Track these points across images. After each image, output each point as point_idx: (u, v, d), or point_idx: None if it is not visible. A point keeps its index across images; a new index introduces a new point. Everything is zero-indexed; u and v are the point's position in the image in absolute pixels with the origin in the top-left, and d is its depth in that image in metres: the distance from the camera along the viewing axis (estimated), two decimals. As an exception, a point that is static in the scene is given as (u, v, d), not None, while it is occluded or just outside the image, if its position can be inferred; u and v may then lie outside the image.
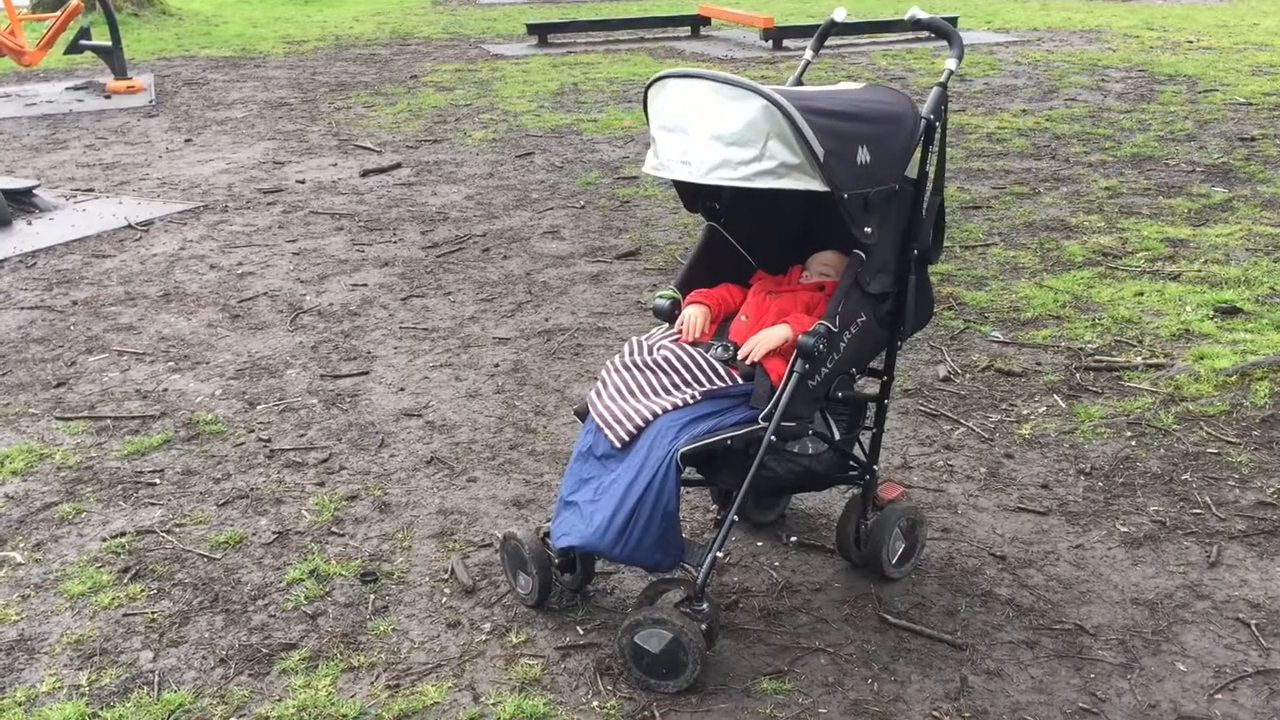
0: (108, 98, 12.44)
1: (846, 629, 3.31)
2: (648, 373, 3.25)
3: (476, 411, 4.81)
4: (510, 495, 4.12)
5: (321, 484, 4.23)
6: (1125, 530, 3.78)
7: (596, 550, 3.09)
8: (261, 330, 5.78)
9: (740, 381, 3.20)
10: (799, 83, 3.68)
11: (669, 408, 3.13)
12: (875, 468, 3.52)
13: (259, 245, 7.14)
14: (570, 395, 4.94)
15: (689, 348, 3.27)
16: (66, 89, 13.00)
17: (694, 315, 3.40)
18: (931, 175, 3.37)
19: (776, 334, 3.25)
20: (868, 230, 3.16)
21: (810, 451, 3.31)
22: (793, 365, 3.15)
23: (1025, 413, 4.64)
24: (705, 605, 3.06)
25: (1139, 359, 5.09)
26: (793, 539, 3.78)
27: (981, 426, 4.53)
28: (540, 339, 5.59)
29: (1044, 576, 3.54)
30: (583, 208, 7.77)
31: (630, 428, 3.13)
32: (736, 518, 3.12)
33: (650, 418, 3.12)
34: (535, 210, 7.75)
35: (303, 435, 4.63)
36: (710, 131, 2.99)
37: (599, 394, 3.27)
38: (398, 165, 9.00)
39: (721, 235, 3.61)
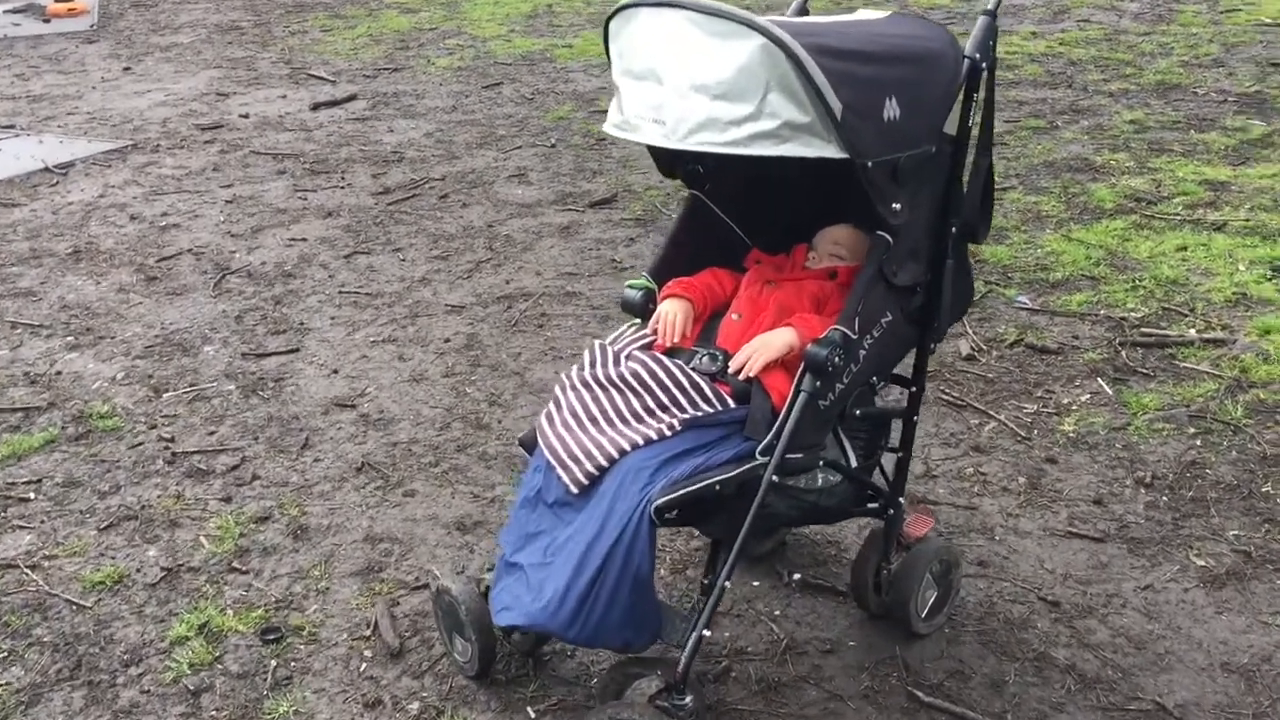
0: (46, 21, 11.49)
1: (867, 709, 2.63)
2: (613, 393, 2.52)
3: (420, 401, 4.09)
4: (454, 515, 3.41)
5: (228, 499, 3.52)
6: (1202, 564, 3.10)
7: (547, 630, 2.40)
8: (180, 296, 5.02)
9: (732, 405, 2.48)
10: (803, 11, 2.91)
11: (640, 442, 2.41)
12: (901, 500, 2.81)
13: (189, 192, 6.35)
14: (531, 380, 4.22)
15: (665, 359, 2.54)
16: (3, 12, 12.04)
17: (672, 313, 2.67)
18: (976, 131, 2.62)
19: (778, 341, 2.52)
20: (896, 207, 2.43)
21: (819, 485, 2.61)
22: (800, 382, 2.43)
23: (1066, 401, 3.94)
24: (688, 699, 2.37)
25: (1193, 331, 4.37)
26: (795, 576, 3.09)
27: (1016, 420, 3.82)
28: (499, 306, 4.85)
29: (1109, 630, 2.86)
30: (553, 146, 6.98)
31: (591, 468, 2.41)
32: (729, 583, 2.41)
33: (616, 455, 2.41)
34: (501, 149, 6.96)
35: (213, 433, 3.91)
36: (691, 80, 2.25)
37: (551, 420, 2.55)
38: (352, 97, 8.17)
39: (707, 207, 2.87)
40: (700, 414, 2.45)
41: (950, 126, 2.58)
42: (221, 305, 4.91)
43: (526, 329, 4.64)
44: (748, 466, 2.40)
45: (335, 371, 4.32)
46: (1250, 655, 2.76)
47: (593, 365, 2.61)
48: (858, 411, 2.63)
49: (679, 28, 2.24)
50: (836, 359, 2.41)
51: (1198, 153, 6.65)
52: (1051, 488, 3.47)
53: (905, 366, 2.76)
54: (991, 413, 3.87)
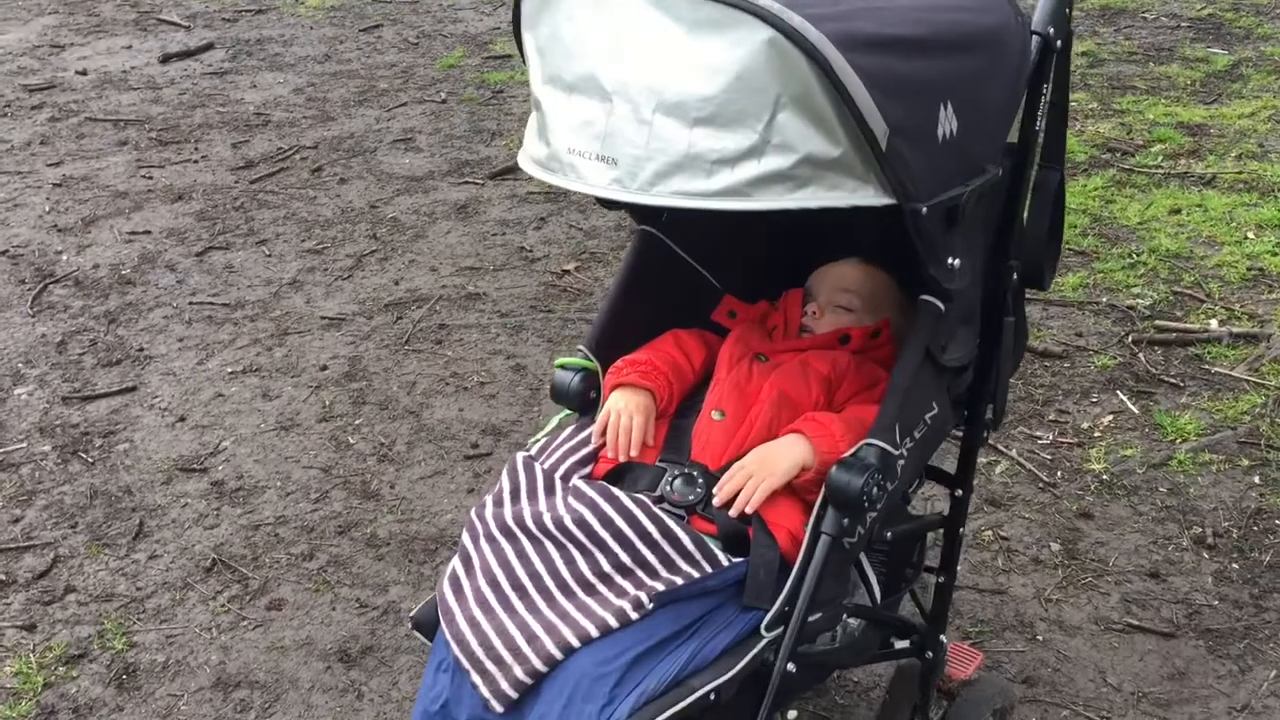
0: None
1: None
2: (548, 549, 1.72)
3: (290, 459, 3.25)
4: (335, 638, 2.61)
5: (31, 626, 2.67)
6: (1306, 669, 2.43)
7: None
8: (-11, 316, 4.07)
9: (722, 560, 1.70)
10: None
11: (594, 632, 1.62)
12: (943, 638, 2.07)
13: (8, 173, 5.33)
14: (429, 421, 3.39)
15: (622, 496, 1.74)
16: None
17: (626, 415, 1.87)
18: (1042, 135, 1.86)
19: (785, 459, 1.75)
20: (954, 264, 1.66)
21: (837, 644, 1.86)
22: (820, 520, 1.67)
23: (1085, 426, 3.23)
24: None
25: (1215, 323, 3.69)
26: (790, 714, 2.34)
27: (1032, 458, 3.11)
28: (387, 316, 4.00)
29: (1211, 786, 2.17)
30: (444, 101, 6.06)
31: (522, 674, 1.62)
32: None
33: (559, 654, 1.62)
34: (383, 106, 6.02)
35: (17, 519, 3.03)
36: (659, 95, 1.45)
37: (459, 591, 1.75)
38: (208, 46, 7.11)
39: (663, 245, 2.07)
40: (679, 581, 1.66)
41: (1011, 133, 1.80)
42: (41, 327, 3.98)
43: (421, 347, 3.80)
44: (753, 654, 1.63)
45: (181, 419, 3.44)
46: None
47: (516, 499, 1.80)
48: (888, 534, 1.87)
49: (638, 13, 1.42)
50: (874, 489, 1.64)
51: (1163, 89, 5.97)
52: (1093, 555, 2.77)
53: (941, 454, 2.01)
54: (1001, 447, 3.15)
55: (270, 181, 5.15)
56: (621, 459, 1.85)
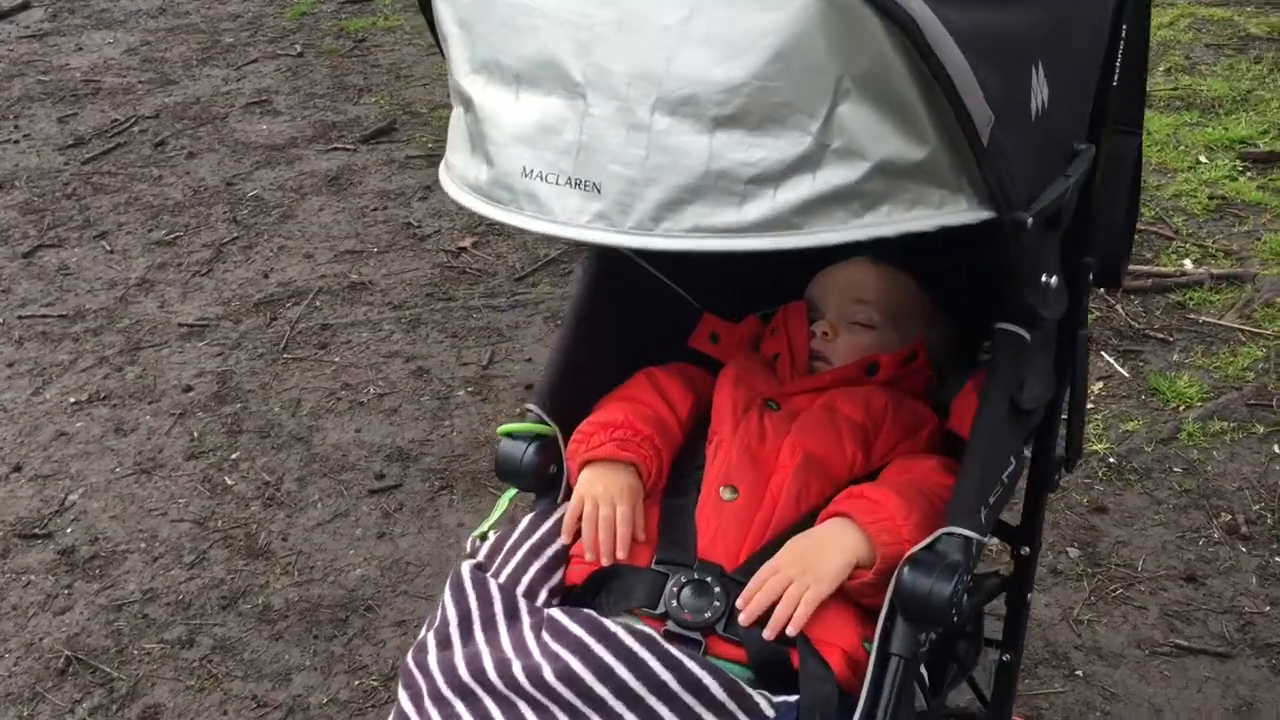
0: None
1: None
2: (526, 715, 1.24)
3: (155, 510, 2.70)
4: (231, 754, 2.10)
5: None
6: (1389, 687, 2.09)
7: None
8: None
9: (766, 710, 1.24)
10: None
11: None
12: (1010, 725, 1.66)
13: None
14: (321, 448, 2.87)
15: (619, 630, 1.26)
16: None
17: (606, 505, 1.39)
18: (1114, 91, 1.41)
19: (830, 555, 1.31)
20: (1050, 282, 1.21)
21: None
22: (886, 636, 1.22)
23: (1075, 396, 2.84)
24: None
25: (1189, 263, 3.35)
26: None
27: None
28: (259, 318, 3.43)
29: None
30: (300, 55, 5.41)
31: None
32: None
33: None
34: (231, 64, 5.34)
35: None
36: (659, 82, 0.94)
37: (403, 784, 1.26)
38: (24, 5, 6.27)
39: (623, 259, 1.58)
40: (706, 747, 1.20)
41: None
42: None
43: (303, 354, 3.25)
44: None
45: (16, 469, 2.86)
46: None
47: (468, 635, 1.32)
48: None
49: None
50: (964, 594, 1.20)
51: None
52: (1117, 559, 2.40)
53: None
54: (988, 431, 2.75)
55: (106, 161, 4.49)
56: (605, 563, 1.38)
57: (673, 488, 1.46)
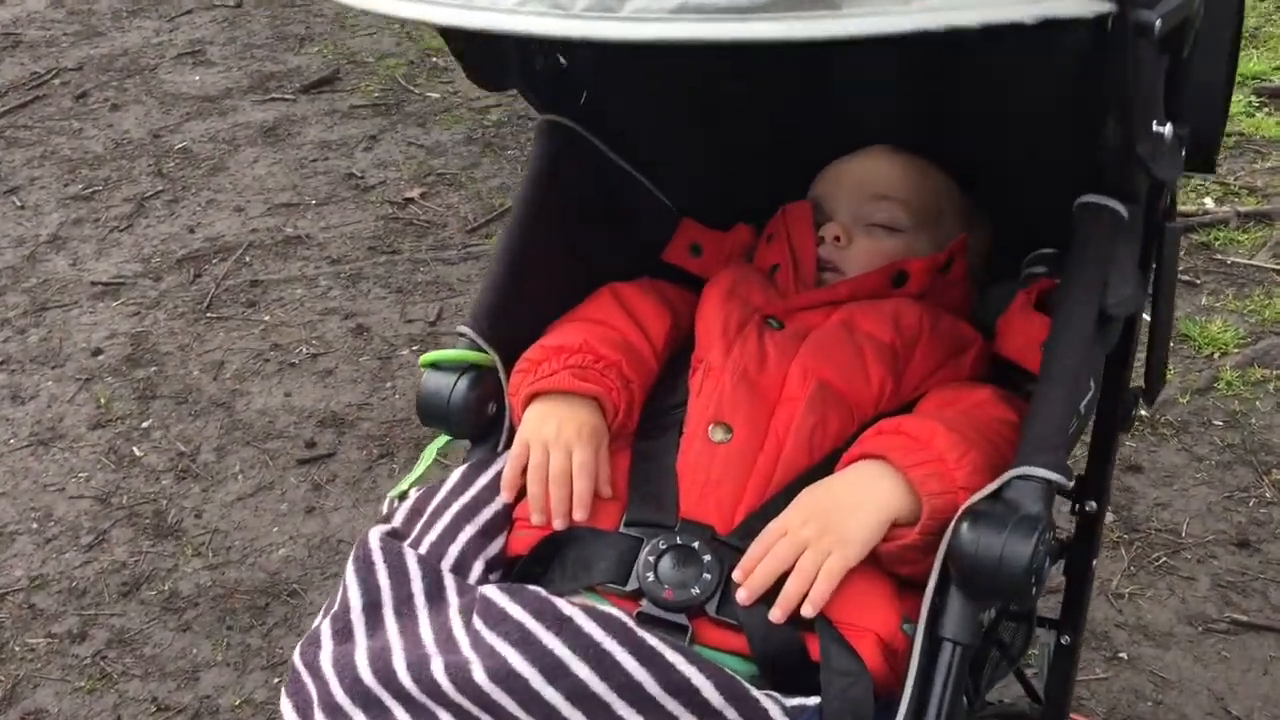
0: None
1: None
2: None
3: (52, 486, 2.36)
4: (122, 769, 1.76)
5: None
6: None
7: None
8: None
9: (775, 715, 0.90)
10: None
11: None
12: (1065, 724, 1.34)
13: None
14: (245, 414, 2.54)
15: (575, 612, 0.93)
16: None
17: (560, 451, 1.06)
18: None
19: (858, 509, 1.00)
20: (1165, 132, 0.88)
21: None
22: (935, 615, 0.89)
23: (1095, 345, 2.53)
24: None
25: (1209, 201, 3.05)
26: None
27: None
28: (181, 275, 3.08)
29: None
30: (238, 5, 5.02)
31: None
32: None
33: None
34: (163, 16, 4.95)
35: None
36: None
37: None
38: (-57, -42, 5.85)
39: (584, 147, 1.24)
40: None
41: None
42: None
43: (229, 312, 2.90)
44: None
45: (-104, 442, 2.50)
46: None
47: (375, 624, 1.00)
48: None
49: None
50: (1046, 558, 0.88)
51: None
52: (1158, 523, 2.10)
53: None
54: (1001, 384, 2.43)
55: (22, 114, 4.10)
56: (559, 526, 1.05)
57: (647, 429, 1.13)
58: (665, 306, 1.22)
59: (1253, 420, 2.32)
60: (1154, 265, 1.14)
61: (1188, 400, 2.38)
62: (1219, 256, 2.83)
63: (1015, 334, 1.15)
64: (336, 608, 1.01)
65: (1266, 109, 3.55)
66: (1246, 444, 2.26)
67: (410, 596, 1.00)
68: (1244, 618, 1.91)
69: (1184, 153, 1.13)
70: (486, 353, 1.14)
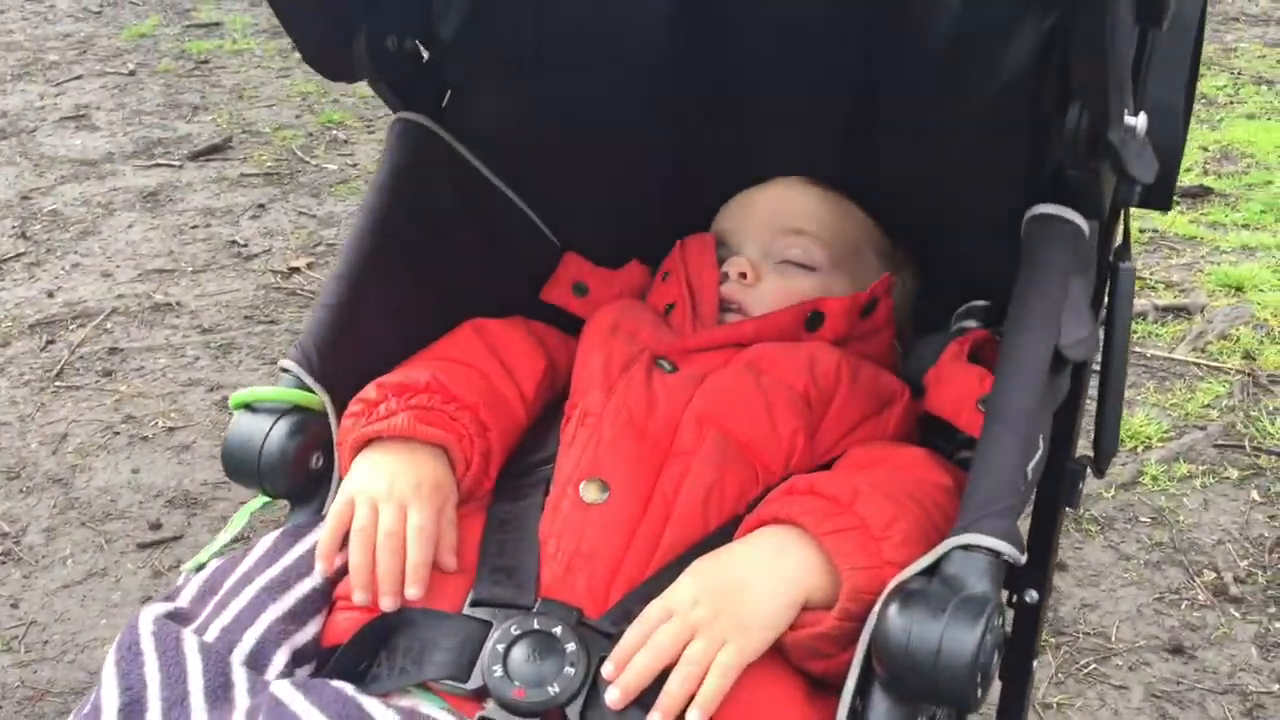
0: None
1: None
2: None
3: None
4: None
5: None
6: None
7: None
8: None
9: None
10: None
11: None
12: None
13: None
14: (84, 494, 2.27)
15: (383, 716, 0.71)
16: None
17: (391, 512, 0.84)
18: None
19: (760, 589, 0.78)
20: (1137, 125, 0.72)
21: None
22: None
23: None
24: None
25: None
26: None
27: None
28: (32, 341, 2.82)
29: None
30: (132, 74, 4.82)
31: None
32: None
33: None
34: (51, 81, 4.73)
35: None
36: None
37: None
38: None
39: (448, 155, 1.05)
40: None
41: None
42: None
43: (81, 382, 2.64)
44: None
45: None
46: None
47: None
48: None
49: None
50: (992, 655, 0.68)
51: None
52: (1085, 625, 1.94)
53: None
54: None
55: (-118, 171, 3.82)
56: (386, 607, 0.83)
57: (506, 490, 0.92)
58: (539, 348, 1.03)
59: (1180, 518, 2.18)
60: (1105, 308, 0.99)
61: (1113, 495, 2.23)
62: (1138, 349, 2.72)
63: (948, 388, 0.98)
64: (86, 710, 0.78)
65: (1179, 208, 3.51)
66: (1175, 543, 2.12)
67: (185, 696, 0.77)
68: (1188, 733, 1.73)
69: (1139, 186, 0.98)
70: (314, 392, 0.93)
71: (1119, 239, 0.99)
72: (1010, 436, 0.78)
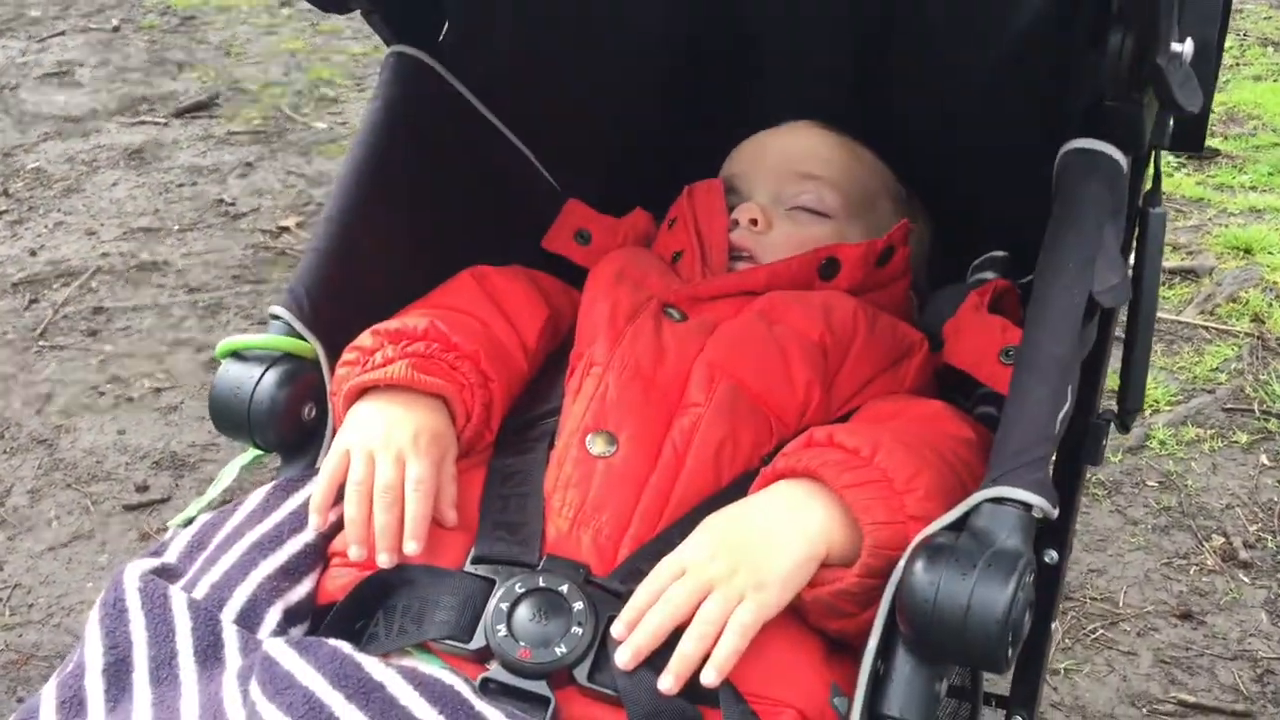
0: None
1: None
2: None
3: None
4: None
5: None
6: None
7: None
8: None
9: None
10: None
11: None
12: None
13: None
14: (69, 455, 2.22)
15: (389, 674, 0.66)
16: None
17: (388, 466, 0.79)
18: None
19: (777, 544, 0.73)
20: (1182, 51, 0.66)
21: None
22: (878, 690, 0.64)
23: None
24: None
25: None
26: None
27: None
28: (15, 300, 2.77)
29: None
30: (116, 29, 4.73)
31: None
32: None
33: None
34: (33, 36, 4.64)
35: None
36: None
37: None
38: None
39: (446, 93, 1.00)
40: None
41: None
42: None
43: (65, 341, 2.59)
44: None
45: None
46: None
47: (119, 690, 0.72)
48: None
49: None
50: (1024, 614, 0.64)
51: None
52: (1093, 589, 1.90)
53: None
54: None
55: None
56: (384, 563, 0.78)
57: (509, 443, 0.88)
58: (541, 297, 0.98)
59: (1189, 482, 2.14)
60: (1134, 255, 0.95)
61: (1120, 459, 2.19)
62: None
63: (968, 339, 0.93)
64: (69, 669, 0.74)
65: (1185, 169, 3.46)
66: (1183, 507, 2.08)
67: (174, 655, 0.73)
68: (1191, 698, 1.70)
69: (1171, 122, 0.94)
70: (306, 340, 0.88)
71: (1149, 184, 0.95)
72: (1042, 386, 0.74)
